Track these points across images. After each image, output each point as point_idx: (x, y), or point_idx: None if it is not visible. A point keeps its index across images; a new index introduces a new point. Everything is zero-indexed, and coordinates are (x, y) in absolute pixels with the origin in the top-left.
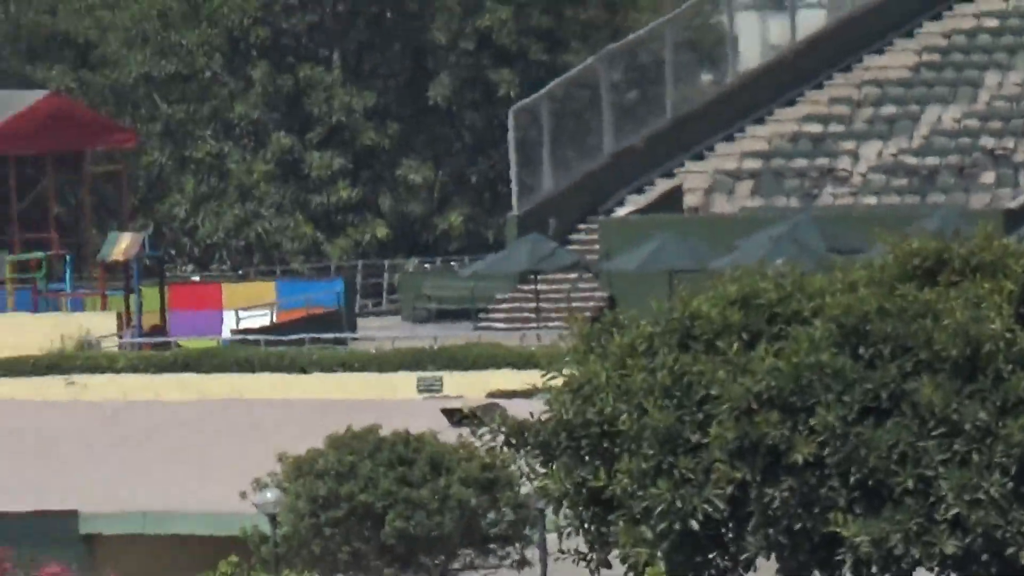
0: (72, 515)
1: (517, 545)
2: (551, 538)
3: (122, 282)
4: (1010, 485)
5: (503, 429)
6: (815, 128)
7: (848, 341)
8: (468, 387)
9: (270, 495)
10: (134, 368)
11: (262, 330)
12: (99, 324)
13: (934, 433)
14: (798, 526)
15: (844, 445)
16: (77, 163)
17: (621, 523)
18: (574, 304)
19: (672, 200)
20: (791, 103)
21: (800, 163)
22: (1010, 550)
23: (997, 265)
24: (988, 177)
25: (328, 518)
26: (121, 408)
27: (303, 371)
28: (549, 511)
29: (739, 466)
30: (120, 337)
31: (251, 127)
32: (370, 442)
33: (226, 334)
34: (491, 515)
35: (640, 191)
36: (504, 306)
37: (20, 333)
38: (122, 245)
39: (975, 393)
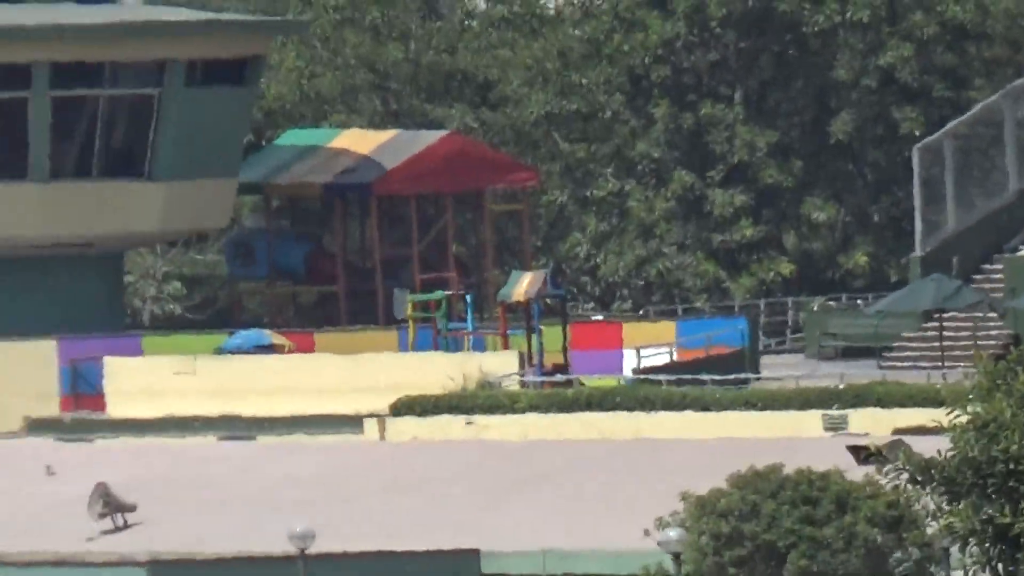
0: (473, 554)
1: None
2: None
3: (523, 321)
4: None
5: (908, 467)
6: None
7: None
8: (874, 424)
9: (673, 533)
10: (535, 407)
11: (663, 369)
12: (500, 363)
13: None
14: None
15: None
16: (477, 202)
17: None
18: (979, 342)
19: None
20: None
21: None
22: None
23: None
24: None
25: (732, 557)
26: (522, 448)
27: (705, 410)
28: (954, 549)
29: None
30: (522, 376)
31: (652, 165)
32: (773, 481)
33: (627, 373)
34: (897, 553)
35: None
36: (909, 344)
37: (421, 372)
38: (523, 284)
39: None
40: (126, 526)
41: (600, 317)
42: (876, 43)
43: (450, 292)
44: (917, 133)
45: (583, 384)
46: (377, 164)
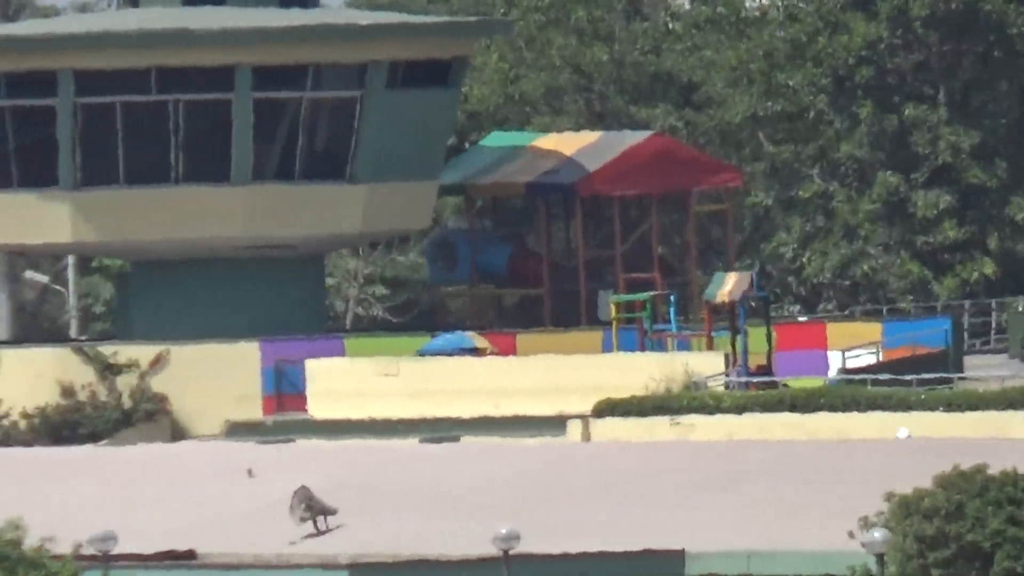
0: (678, 555)
1: None
2: None
3: (727, 322)
4: None
5: None
6: None
7: None
8: None
9: (878, 534)
10: (740, 408)
11: (868, 370)
12: (705, 364)
13: None
14: None
15: None
16: (682, 203)
17: None
18: None
19: None
20: None
21: None
22: None
23: None
24: None
25: (936, 558)
26: (727, 448)
27: (909, 410)
28: None
29: None
30: (726, 377)
31: (857, 166)
32: (978, 482)
33: (832, 374)
34: None
35: None
36: None
37: (625, 373)
38: (728, 285)
39: None
40: (327, 529)
41: (804, 318)
42: None
43: (654, 293)
44: None
45: (786, 385)
46: (581, 165)
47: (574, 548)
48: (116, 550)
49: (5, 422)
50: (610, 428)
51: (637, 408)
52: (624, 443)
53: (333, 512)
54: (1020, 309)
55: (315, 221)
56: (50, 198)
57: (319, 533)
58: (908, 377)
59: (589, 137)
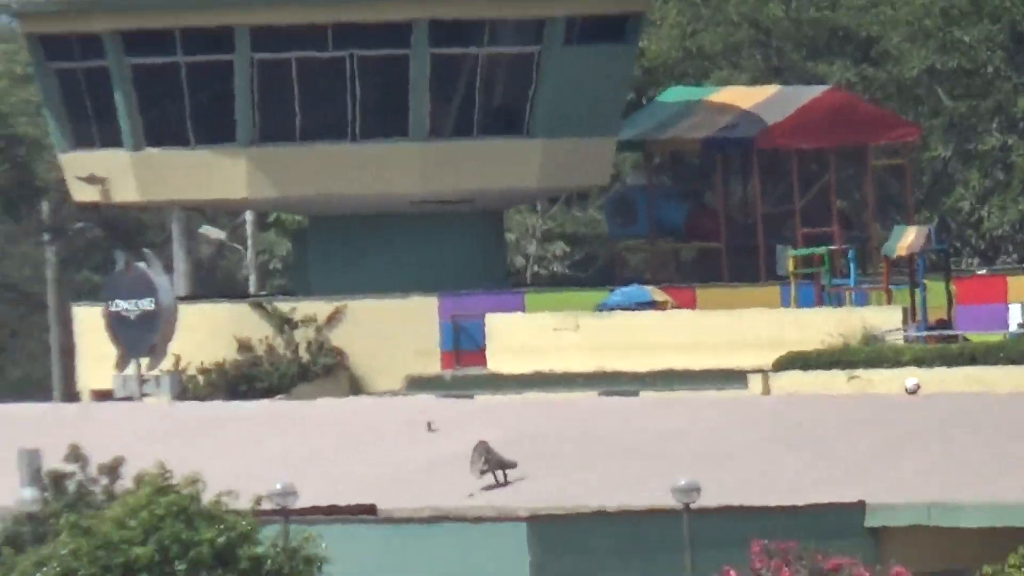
0: (859, 507)
1: None
2: None
3: (906, 276)
4: None
5: None
6: None
7: None
8: None
9: None
10: (919, 362)
11: None
12: (883, 318)
13: None
14: None
15: None
16: (860, 158)
17: None
18: None
19: None
20: None
21: None
22: None
23: None
24: None
25: None
26: (906, 402)
27: None
28: None
29: None
30: (905, 331)
31: None
32: None
33: (1012, 327)
34: None
35: None
36: None
37: (803, 328)
38: (907, 239)
39: None
40: (507, 483)
41: (984, 271)
42: None
43: (833, 247)
44: None
45: (966, 339)
46: (759, 119)
47: (754, 501)
48: (296, 504)
49: (183, 377)
50: (790, 381)
51: (817, 362)
52: (804, 397)
53: (512, 465)
54: None
55: (492, 176)
56: (227, 154)
57: (499, 486)
58: None
59: (767, 91)
